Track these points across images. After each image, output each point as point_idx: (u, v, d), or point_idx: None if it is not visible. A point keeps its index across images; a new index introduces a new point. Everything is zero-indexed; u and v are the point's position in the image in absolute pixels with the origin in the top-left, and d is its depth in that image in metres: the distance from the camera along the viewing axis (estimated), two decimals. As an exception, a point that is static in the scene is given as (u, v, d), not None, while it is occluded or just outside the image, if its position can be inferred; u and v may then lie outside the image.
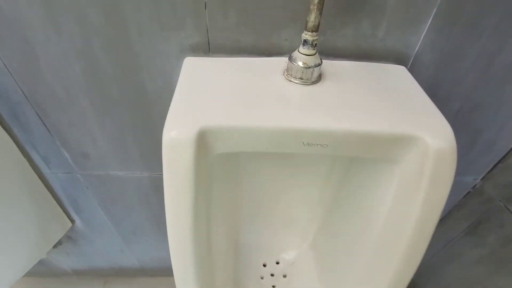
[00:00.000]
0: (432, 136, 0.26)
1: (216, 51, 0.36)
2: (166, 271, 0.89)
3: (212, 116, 0.27)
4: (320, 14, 0.27)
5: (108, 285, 0.92)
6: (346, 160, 0.38)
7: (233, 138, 0.27)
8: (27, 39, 0.35)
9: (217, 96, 0.29)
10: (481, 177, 0.55)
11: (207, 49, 0.36)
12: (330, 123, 0.27)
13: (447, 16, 0.34)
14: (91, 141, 0.48)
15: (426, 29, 0.35)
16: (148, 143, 0.48)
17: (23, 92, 0.41)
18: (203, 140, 0.26)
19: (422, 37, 0.36)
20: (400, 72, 0.36)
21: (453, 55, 0.37)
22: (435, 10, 0.33)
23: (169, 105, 0.29)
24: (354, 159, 0.36)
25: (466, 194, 0.59)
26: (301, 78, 0.31)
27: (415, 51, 0.37)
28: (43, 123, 0.45)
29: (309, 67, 0.30)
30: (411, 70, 0.38)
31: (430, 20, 0.34)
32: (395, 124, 0.28)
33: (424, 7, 0.33)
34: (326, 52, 0.37)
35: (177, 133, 0.25)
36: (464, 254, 0.59)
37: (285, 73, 0.33)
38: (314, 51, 0.30)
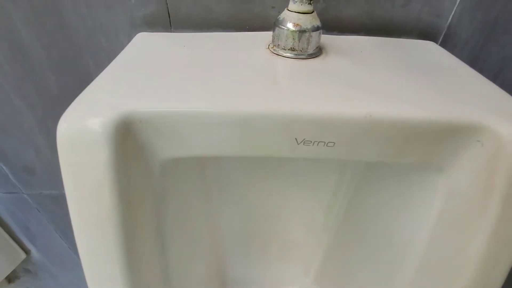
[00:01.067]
0: (508, 123, 0.16)
1: (179, 25, 0.27)
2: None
3: (149, 98, 0.17)
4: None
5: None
6: (362, 168, 0.27)
7: (185, 132, 0.17)
8: None
9: (163, 75, 0.19)
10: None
11: (168, 22, 0.27)
12: (339, 107, 0.17)
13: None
14: (34, 151, 0.38)
15: (463, -11, 0.26)
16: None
17: None
18: (133, 137, 0.16)
19: (457, 2, 0.26)
20: (431, 49, 0.26)
21: (499, 26, 0.28)
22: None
23: None
24: (375, 166, 0.26)
25: None
26: (293, 49, 0.21)
27: (448, 22, 0.27)
28: (-33, 130, 0.35)
29: (304, 31, 0.20)
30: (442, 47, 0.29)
31: (469, -26, 0.25)
32: (444, 108, 0.17)
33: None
34: (328, 24, 0.27)
35: (78, 124, 0.15)
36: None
37: (271, 46, 0.23)
38: (310, 7, 0.20)
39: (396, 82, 0.20)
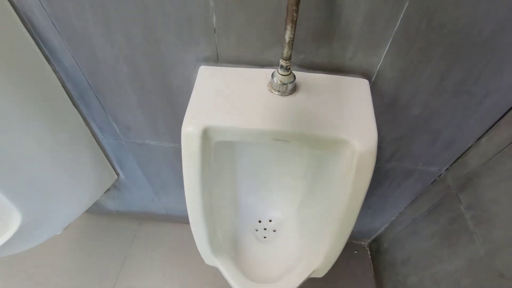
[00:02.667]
0: (359, 141, 0.39)
1: (223, 61, 0.49)
2: (186, 220, 1.11)
3: (212, 118, 0.41)
4: (291, 48, 0.39)
5: (142, 226, 1.17)
6: (306, 153, 0.51)
7: (225, 133, 0.41)
8: (92, 47, 0.50)
9: (217, 103, 0.43)
10: (445, 168, 0.65)
11: (216, 60, 0.49)
12: (289, 127, 0.40)
13: (401, 44, 0.43)
14: (133, 118, 0.65)
15: (385, 52, 0.44)
16: (172, 123, 0.64)
17: (88, 82, 0.57)
18: (205, 133, 0.41)
19: (382, 58, 0.45)
20: (361, 85, 0.47)
21: (409, 72, 0.47)
22: (391, 38, 0.42)
23: (187, 98, 0.44)
24: (311, 153, 0.49)
25: (433, 181, 0.70)
26: (279, 91, 0.43)
27: (377, 69, 0.47)
28: (100, 103, 0.62)
29: (284, 84, 0.42)
30: (375, 83, 0.49)
31: (388, 46, 0.43)
32: (335, 130, 0.40)
33: (382, 35, 0.42)
34: (306, 65, 0.48)
35: (190, 130, 0.39)
36: (423, 229, 0.71)
37: (269, 86, 0.45)
38: (288, 72, 0.42)
39: (322, 112, 0.42)
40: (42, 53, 0.51)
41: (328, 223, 0.50)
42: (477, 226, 0.55)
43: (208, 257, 0.63)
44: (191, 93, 0.46)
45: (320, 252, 0.54)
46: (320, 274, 0.60)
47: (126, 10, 0.44)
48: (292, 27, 0.35)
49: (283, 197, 0.75)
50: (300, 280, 0.56)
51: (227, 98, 0.43)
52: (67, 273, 1.03)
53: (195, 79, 0.49)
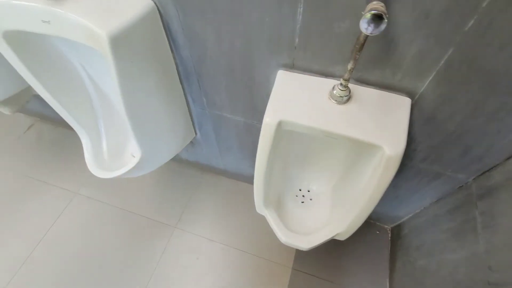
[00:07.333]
0: (389, 148, 0.53)
1: (297, 68, 0.65)
2: (239, 177, 1.36)
3: (285, 114, 0.58)
4: (351, 74, 0.53)
5: (204, 175, 1.45)
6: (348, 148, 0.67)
7: (293, 126, 0.59)
8: (204, 47, 0.69)
9: (289, 101, 0.60)
10: (472, 178, 0.75)
11: (292, 67, 0.65)
12: (339, 130, 0.56)
13: (443, 77, 0.53)
14: (219, 97, 0.85)
15: (428, 81, 0.55)
16: (247, 105, 0.83)
17: (194, 69, 0.78)
18: (279, 124, 0.59)
19: (425, 84, 0.56)
20: (403, 103, 0.59)
21: (448, 98, 0.57)
22: (434, 72, 0.53)
23: (263, 90, 0.63)
24: (351, 147, 0.65)
25: (460, 187, 0.79)
26: (336, 101, 0.58)
27: (420, 91, 0.58)
28: (199, 84, 0.83)
29: (341, 97, 0.57)
30: (417, 102, 0.60)
31: (431, 77, 0.54)
32: (373, 136, 0.54)
33: (427, 69, 0.53)
34: (362, 80, 0.61)
35: (269, 120, 0.58)
36: (441, 224, 0.83)
37: (329, 94, 0.60)
38: (346, 89, 0.56)
39: (366, 121, 0.56)
40: (169, 46, 0.73)
41: (354, 202, 0.67)
42: (483, 229, 0.67)
43: (260, 207, 0.85)
44: (267, 87, 0.64)
45: (344, 221, 0.72)
46: (342, 238, 0.79)
47: (235, 27, 0.61)
48: (354, 62, 0.49)
49: (322, 175, 0.93)
50: (326, 237, 0.75)
51: (297, 99, 0.60)
52: (147, 201, 1.38)
53: (274, 79, 0.66)
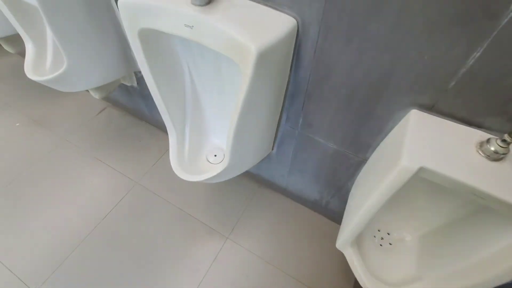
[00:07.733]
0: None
1: (436, 112, 0.59)
2: (298, 200, 1.31)
3: (426, 161, 0.53)
4: (520, 133, 0.46)
5: (261, 188, 1.42)
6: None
7: (432, 176, 0.53)
8: (329, 73, 0.67)
9: (429, 148, 0.54)
10: None
11: (431, 109, 0.59)
12: (491, 190, 0.49)
13: None
14: (320, 121, 0.82)
15: None
16: (350, 134, 0.79)
17: (306, 89, 0.75)
18: (419, 171, 0.53)
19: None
20: None
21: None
22: None
23: (378, 124, 0.61)
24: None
25: None
26: (488, 157, 0.52)
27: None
28: (303, 104, 0.81)
29: (497, 153, 0.51)
30: None
31: None
32: None
33: None
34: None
35: (408, 165, 0.53)
36: None
37: (478, 146, 0.54)
38: (507, 146, 0.50)
39: None
40: (290, 65, 0.71)
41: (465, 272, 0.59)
42: None
43: (344, 245, 0.79)
44: (385, 123, 0.60)
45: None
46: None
47: (380, 58, 0.57)
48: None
49: (410, 223, 0.85)
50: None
51: (439, 146, 0.55)
52: (203, 205, 1.37)
53: (399, 117, 0.61)
